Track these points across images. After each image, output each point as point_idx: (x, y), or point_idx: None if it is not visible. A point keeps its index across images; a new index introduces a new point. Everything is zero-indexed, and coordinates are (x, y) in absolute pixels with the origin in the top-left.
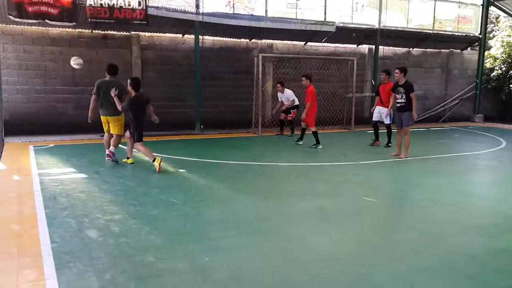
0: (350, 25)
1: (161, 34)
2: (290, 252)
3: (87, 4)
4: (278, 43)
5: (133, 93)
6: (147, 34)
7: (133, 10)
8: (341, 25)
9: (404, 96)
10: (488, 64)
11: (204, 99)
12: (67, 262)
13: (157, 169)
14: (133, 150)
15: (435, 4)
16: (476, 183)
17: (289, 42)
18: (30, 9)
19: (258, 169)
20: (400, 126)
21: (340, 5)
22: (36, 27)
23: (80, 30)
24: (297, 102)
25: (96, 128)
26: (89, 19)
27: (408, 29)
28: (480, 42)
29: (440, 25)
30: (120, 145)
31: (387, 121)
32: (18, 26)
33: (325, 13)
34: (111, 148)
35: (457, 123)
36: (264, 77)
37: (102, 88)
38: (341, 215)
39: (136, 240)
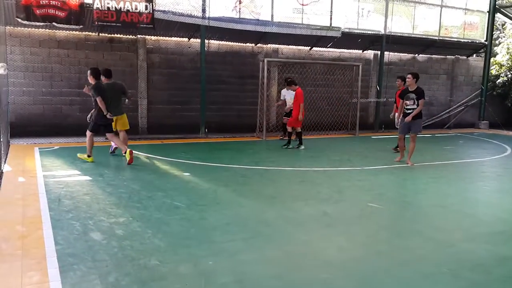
0: (356, 31)
1: (167, 38)
2: (294, 256)
3: (94, 8)
4: (283, 47)
5: (93, 82)
6: (153, 37)
7: (139, 13)
8: (347, 30)
9: (416, 102)
10: (493, 71)
11: (209, 103)
12: (71, 264)
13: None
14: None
15: (441, 10)
16: (481, 190)
17: (294, 47)
18: (37, 11)
19: (263, 173)
20: (405, 132)
21: (346, 11)
22: (43, 29)
23: (86, 33)
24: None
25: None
26: (96, 22)
27: (414, 35)
28: (486, 49)
29: (446, 32)
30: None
31: None
32: (26, 28)
33: (331, 18)
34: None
35: (462, 130)
36: (269, 82)
37: (108, 90)
38: (345, 220)
39: (140, 243)
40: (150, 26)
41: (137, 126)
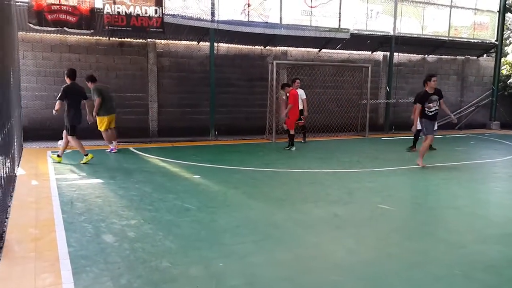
0: (365, 32)
1: (177, 42)
2: (305, 259)
3: (105, 12)
4: (292, 50)
5: (68, 82)
6: (163, 41)
7: (149, 18)
8: (356, 32)
9: (438, 104)
10: (504, 70)
11: (219, 105)
12: (83, 266)
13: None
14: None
15: (450, 10)
16: (493, 191)
17: (303, 49)
18: (49, 17)
19: (272, 175)
20: (432, 133)
21: (355, 12)
22: (55, 34)
23: (97, 37)
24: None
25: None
26: (107, 27)
27: (423, 36)
28: (497, 49)
29: (456, 32)
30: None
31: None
32: (38, 33)
33: (339, 20)
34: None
35: (473, 131)
36: (278, 84)
37: (105, 92)
38: (355, 222)
39: (151, 245)
40: (160, 30)
41: (148, 129)
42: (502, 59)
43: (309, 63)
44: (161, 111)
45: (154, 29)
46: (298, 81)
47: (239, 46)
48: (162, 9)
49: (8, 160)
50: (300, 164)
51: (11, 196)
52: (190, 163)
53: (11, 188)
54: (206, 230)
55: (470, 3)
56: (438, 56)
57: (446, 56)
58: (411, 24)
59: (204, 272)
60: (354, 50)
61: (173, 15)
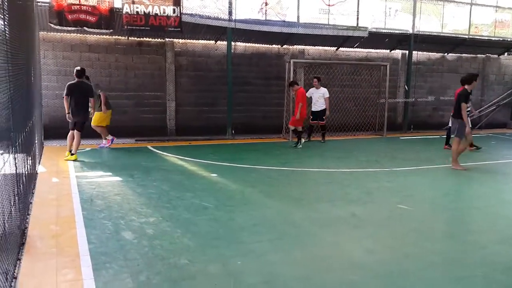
0: (383, 30)
1: (194, 41)
2: (322, 258)
3: (124, 12)
4: (309, 48)
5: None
6: (181, 41)
7: (168, 17)
8: (374, 30)
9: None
10: None
11: (236, 104)
12: (103, 263)
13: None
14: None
15: (471, 8)
16: None
17: (320, 47)
18: (69, 17)
19: (289, 174)
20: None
21: (373, 10)
22: (75, 34)
23: (116, 37)
24: (324, 105)
25: (131, 132)
26: (126, 26)
27: (443, 34)
28: None
29: (476, 30)
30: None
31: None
32: (58, 33)
33: (357, 18)
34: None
35: (494, 130)
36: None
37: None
38: (373, 222)
39: (169, 243)
40: (177, 29)
41: (166, 128)
42: None
43: (327, 61)
44: (178, 110)
45: (172, 29)
46: (315, 80)
47: (256, 45)
48: (180, 9)
49: (30, 158)
50: (317, 163)
51: (33, 193)
52: (207, 161)
53: (33, 185)
54: (223, 228)
55: (491, 1)
56: (458, 54)
57: (466, 55)
58: (431, 22)
59: (222, 270)
60: (372, 49)
61: (191, 15)
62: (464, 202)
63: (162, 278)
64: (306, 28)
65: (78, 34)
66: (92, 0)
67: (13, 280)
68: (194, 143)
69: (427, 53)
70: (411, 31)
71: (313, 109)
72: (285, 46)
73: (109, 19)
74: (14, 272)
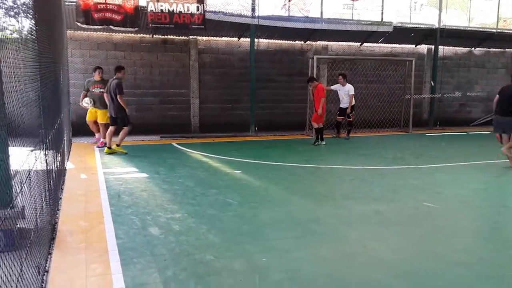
0: (408, 25)
1: (217, 38)
2: (347, 255)
3: (149, 10)
4: (333, 44)
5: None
6: (204, 38)
7: (191, 15)
8: (399, 25)
9: None
10: None
11: (259, 101)
12: (131, 258)
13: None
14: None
15: (499, 1)
16: None
17: (344, 43)
18: (96, 15)
19: (313, 171)
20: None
21: (398, 5)
22: (101, 32)
23: (141, 35)
24: (353, 102)
25: (156, 129)
26: (150, 24)
27: (470, 28)
28: None
29: (505, 24)
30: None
31: None
32: (85, 32)
33: (382, 13)
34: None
35: None
36: (319, 79)
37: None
38: (399, 219)
39: (195, 239)
40: (201, 27)
41: (189, 125)
42: None
43: (350, 57)
44: (202, 107)
45: (196, 26)
46: (340, 77)
47: (279, 41)
48: (203, 6)
49: (59, 155)
50: (341, 160)
51: (62, 189)
52: (231, 158)
53: (62, 181)
54: (248, 224)
55: None
56: (485, 49)
57: (494, 49)
58: (457, 16)
59: (247, 266)
60: (397, 44)
61: (214, 12)
62: (492, 200)
63: (188, 274)
64: (329, 24)
65: (104, 33)
66: None
67: (45, 274)
68: (217, 140)
69: (453, 47)
70: (437, 26)
71: (341, 105)
72: (308, 42)
73: (134, 18)
74: (46, 266)
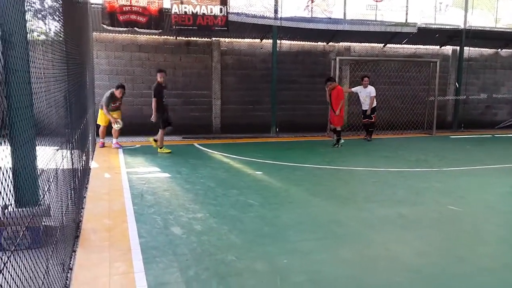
0: (433, 26)
1: (240, 40)
2: (369, 258)
3: (173, 12)
4: (355, 45)
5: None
6: (227, 40)
7: (215, 17)
8: (423, 26)
9: None
10: None
11: (280, 102)
12: (154, 257)
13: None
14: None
15: None
16: None
17: (367, 44)
18: (121, 18)
19: (335, 173)
20: None
21: (422, 6)
22: (126, 34)
23: (165, 37)
24: (375, 103)
25: (178, 130)
26: (174, 26)
27: (497, 29)
28: None
29: None
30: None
31: None
32: (110, 34)
33: (406, 14)
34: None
35: None
36: (341, 81)
37: None
38: (423, 223)
39: (217, 239)
40: (224, 28)
41: (211, 126)
42: None
43: (374, 58)
44: (223, 108)
45: (219, 28)
46: (366, 79)
47: (301, 42)
48: (226, 8)
49: (84, 154)
50: (363, 162)
51: (86, 188)
52: (252, 159)
53: (86, 180)
54: (269, 226)
55: None
56: None
57: None
58: (483, 16)
59: (268, 267)
60: (421, 45)
61: (237, 14)
62: None
63: (210, 274)
64: (352, 25)
65: (129, 35)
66: (142, 1)
67: (69, 271)
68: (238, 141)
69: (479, 49)
70: (462, 26)
71: (363, 107)
72: (330, 43)
73: (159, 20)
74: (70, 263)
